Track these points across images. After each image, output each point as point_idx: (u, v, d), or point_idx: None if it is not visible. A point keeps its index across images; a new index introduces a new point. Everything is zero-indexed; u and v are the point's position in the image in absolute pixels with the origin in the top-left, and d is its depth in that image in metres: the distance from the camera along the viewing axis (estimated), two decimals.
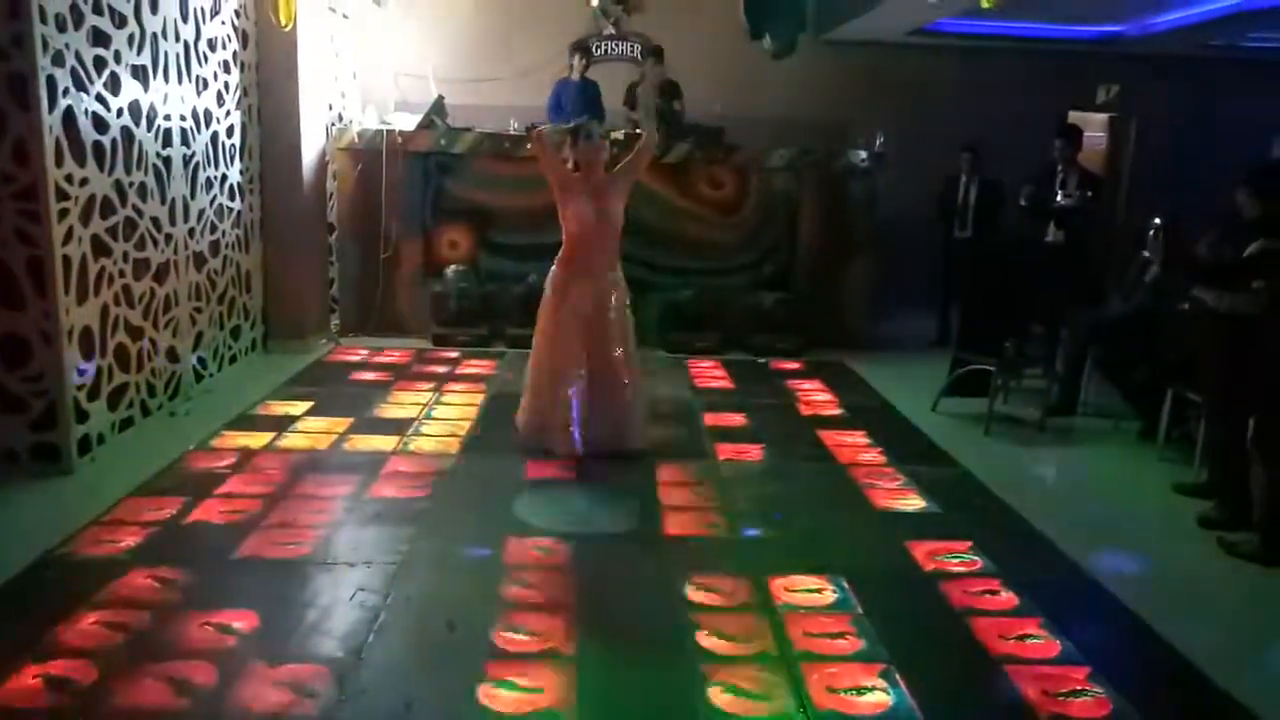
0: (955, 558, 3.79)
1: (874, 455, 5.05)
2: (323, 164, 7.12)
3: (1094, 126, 9.32)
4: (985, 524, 4.17)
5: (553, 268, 4.77)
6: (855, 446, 5.18)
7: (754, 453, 5.01)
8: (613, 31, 8.91)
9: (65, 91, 4.22)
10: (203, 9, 5.64)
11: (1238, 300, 4.17)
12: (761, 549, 3.83)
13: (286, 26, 5.76)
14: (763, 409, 5.82)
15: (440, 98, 7.65)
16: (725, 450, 5.00)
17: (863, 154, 7.48)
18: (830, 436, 5.32)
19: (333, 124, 7.39)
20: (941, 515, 4.26)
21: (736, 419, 5.59)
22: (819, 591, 3.44)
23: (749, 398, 6.07)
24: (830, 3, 8.70)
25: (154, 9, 5.01)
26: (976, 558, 3.79)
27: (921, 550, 3.84)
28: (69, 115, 4.25)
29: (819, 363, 7.02)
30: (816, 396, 6.21)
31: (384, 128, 7.36)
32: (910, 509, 4.33)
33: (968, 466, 4.90)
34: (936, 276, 7.81)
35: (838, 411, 5.88)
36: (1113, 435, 5.54)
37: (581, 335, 4.64)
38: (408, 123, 7.46)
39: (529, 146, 7.05)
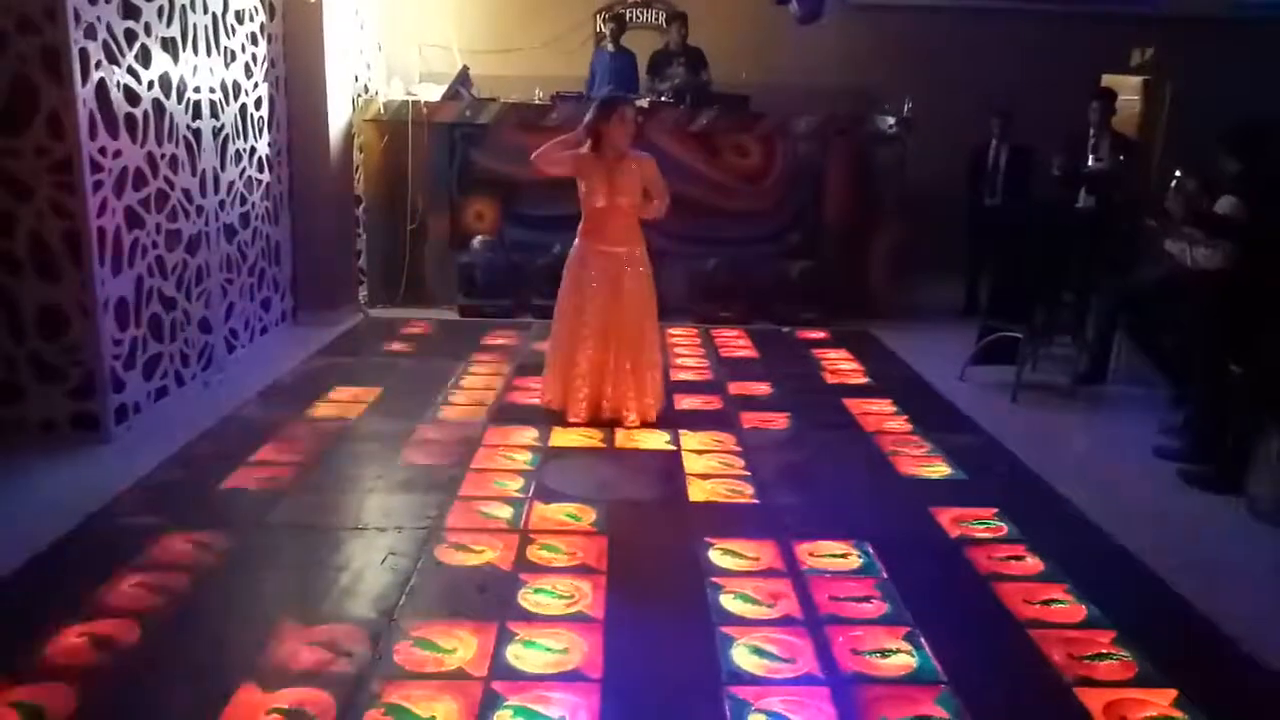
0: (981, 524, 3.80)
1: (900, 423, 5.04)
2: (349, 136, 7.15)
3: (1127, 90, 9.12)
4: (1011, 491, 4.17)
5: (575, 240, 4.78)
6: (881, 415, 5.18)
7: (779, 421, 5.02)
8: None
9: (98, 64, 4.26)
10: None
11: (1201, 255, 4.26)
12: (787, 515, 3.85)
13: None
14: (788, 378, 5.82)
15: (465, 68, 7.64)
16: (750, 419, 5.02)
17: (890, 120, 7.40)
18: (856, 405, 5.32)
19: (358, 95, 7.40)
20: (967, 482, 4.27)
21: (762, 388, 5.60)
22: (844, 556, 3.46)
23: (774, 367, 6.07)
24: None
25: None
26: (1002, 524, 3.80)
27: (947, 516, 3.84)
28: (101, 88, 4.30)
29: (845, 332, 7.00)
30: (842, 365, 6.20)
31: (409, 99, 7.37)
32: (936, 476, 4.33)
33: (994, 434, 4.88)
34: (965, 245, 7.73)
35: (864, 380, 5.87)
36: (1144, 402, 5.49)
37: (605, 305, 4.65)
38: (433, 94, 7.46)
39: (554, 116, 7.10)
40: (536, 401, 5.00)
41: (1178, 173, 5.22)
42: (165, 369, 4.95)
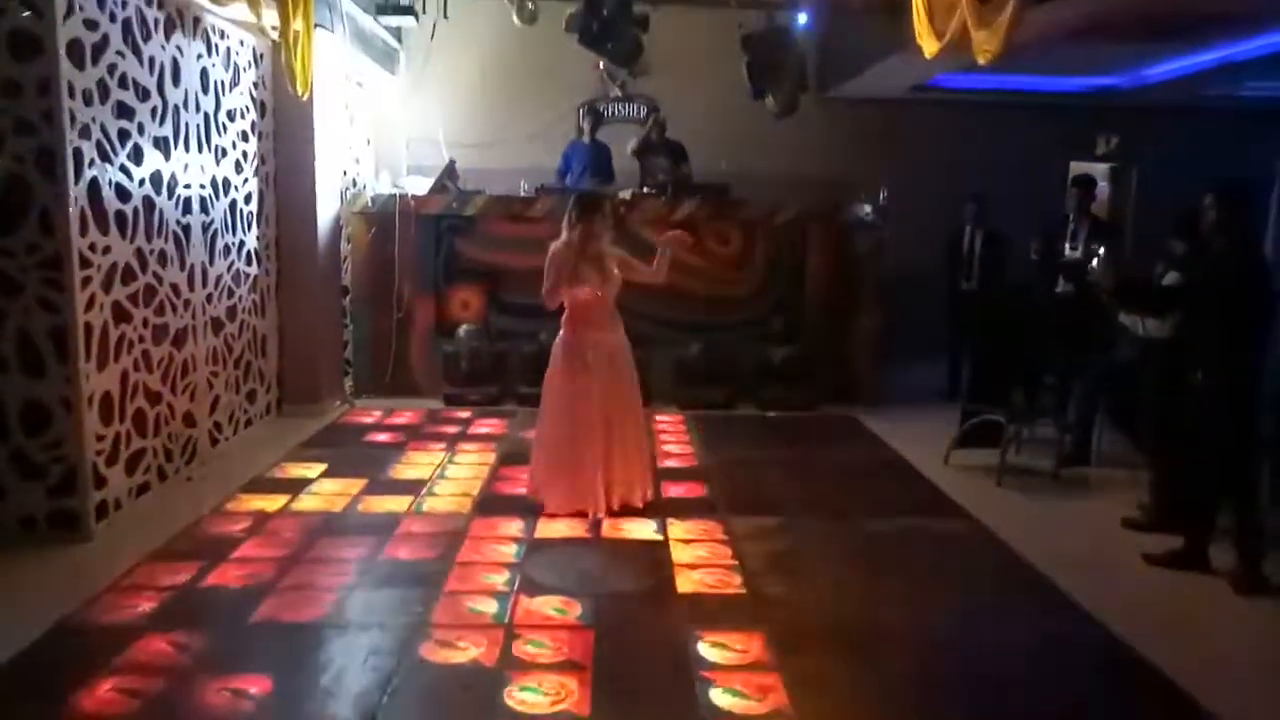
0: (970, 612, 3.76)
1: (886, 509, 5.03)
2: (337, 228, 7.27)
3: (1096, 176, 9.42)
4: (1000, 578, 4.14)
5: (561, 332, 4.83)
6: (867, 501, 5.17)
7: (766, 508, 5.01)
8: (619, 94, 9.14)
9: (90, 163, 4.35)
10: (223, 81, 5.82)
11: (1151, 324, 4.59)
12: (776, 605, 3.81)
13: (304, 95, 5.93)
14: (775, 464, 5.82)
15: (452, 161, 7.83)
16: (738, 506, 5.00)
17: (867, 208, 7.59)
18: (842, 491, 5.32)
19: (347, 189, 7.55)
20: (956, 570, 4.24)
21: (748, 474, 5.59)
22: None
23: (761, 452, 6.07)
24: (830, 63, 8.92)
25: (176, 82, 5.18)
26: (992, 613, 3.76)
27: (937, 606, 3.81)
28: (93, 185, 4.38)
29: (830, 416, 7.03)
30: (828, 451, 6.21)
31: (397, 191, 7.52)
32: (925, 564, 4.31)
33: (980, 519, 4.88)
34: (945, 328, 7.85)
35: (849, 466, 5.87)
36: (1127, 484, 5.51)
37: (604, 392, 4.68)
38: (420, 186, 7.62)
39: (538, 207, 7.25)
40: (522, 491, 4.97)
41: (1100, 250, 5.40)
42: (148, 464, 4.92)
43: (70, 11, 4.17)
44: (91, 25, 4.35)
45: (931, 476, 5.65)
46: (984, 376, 5.91)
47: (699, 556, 4.29)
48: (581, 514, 4.67)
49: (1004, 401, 5.66)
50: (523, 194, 7.64)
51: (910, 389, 7.78)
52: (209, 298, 5.63)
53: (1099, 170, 9.39)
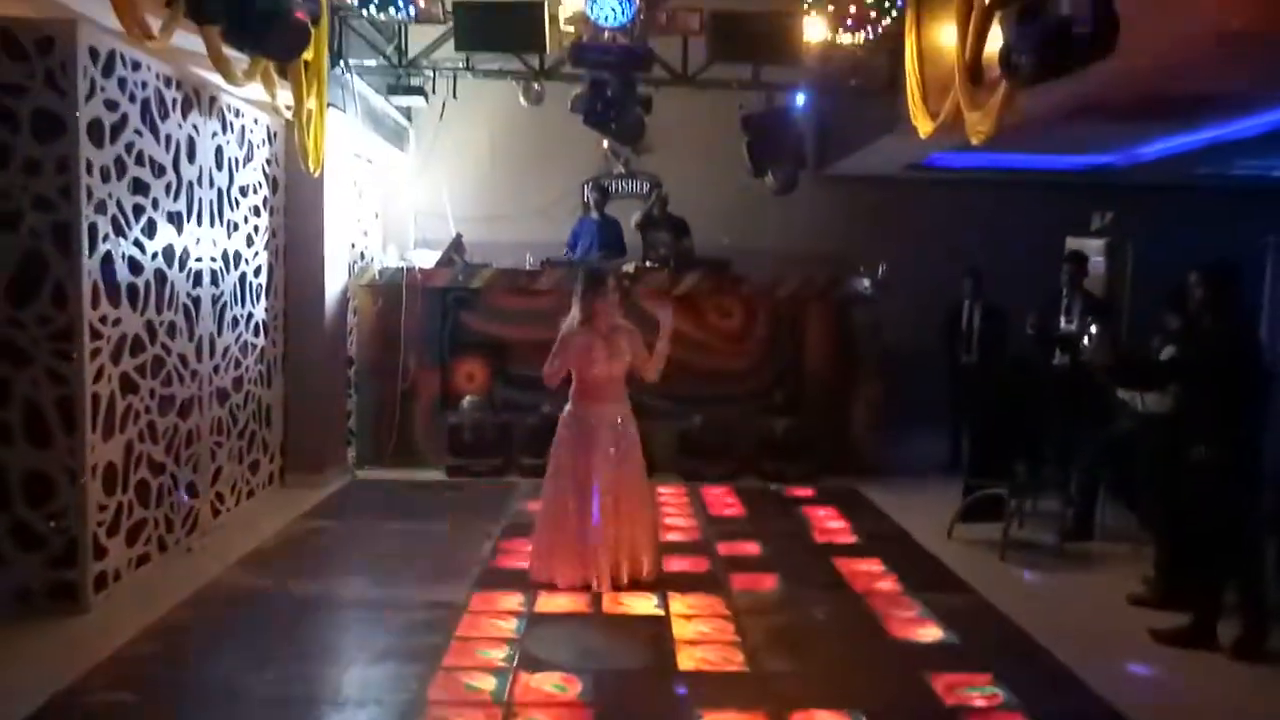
0: (976, 690, 3.71)
1: (890, 583, 5.00)
2: (344, 300, 7.37)
3: (1091, 251, 9.55)
4: (1005, 654, 4.10)
5: (568, 407, 4.84)
6: (871, 574, 5.14)
7: (768, 582, 4.98)
8: (623, 170, 9.35)
9: (105, 237, 4.45)
10: (237, 158, 5.98)
11: (1151, 399, 4.67)
12: (779, 683, 3.76)
13: (315, 172, 6.08)
14: (777, 537, 5.80)
15: (459, 235, 7.98)
16: (740, 580, 4.97)
17: (866, 282, 7.69)
18: (845, 564, 5.29)
19: (355, 262, 7.68)
20: (960, 646, 4.20)
21: (750, 547, 5.57)
22: None
23: (762, 525, 6.05)
24: (828, 142, 9.14)
25: (191, 158, 5.32)
26: (998, 690, 3.71)
27: (941, 683, 3.76)
28: (107, 259, 4.47)
29: (832, 488, 7.02)
30: (831, 523, 6.19)
31: (404, 265, 7.65)
32: (928, 639, 4.26)
33: (985, 594, 4.84)
34: (945, 401, 7.88)
35: (852, 539, 5.85)
36: (1131, 559, 5.47)
37: (600, 465, 4.68)
38: (427, 259, 7.75)
39: (543, 281, 7.37)
40: (524, 565, 4.94)
41: (1093, 327, 5.47)
42: (149, 535, 4.90)
43: (92, 93, 4.31)
44: (112, 105, 4.50)
45: (934, 550, 5.62)
46: (985, 450, 5.92)
47: (700, 632, 4.25)
48: (585, 588, 4.63)
49: (1006, 475, 5.65)
50: (528, 267, 7.76)
51: (911, 461, 7.77)
52: (216, 368, 5.69)
53: (1094, 246, 9.53)
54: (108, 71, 4.44)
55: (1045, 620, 4.49)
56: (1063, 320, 6.72)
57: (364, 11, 6.53)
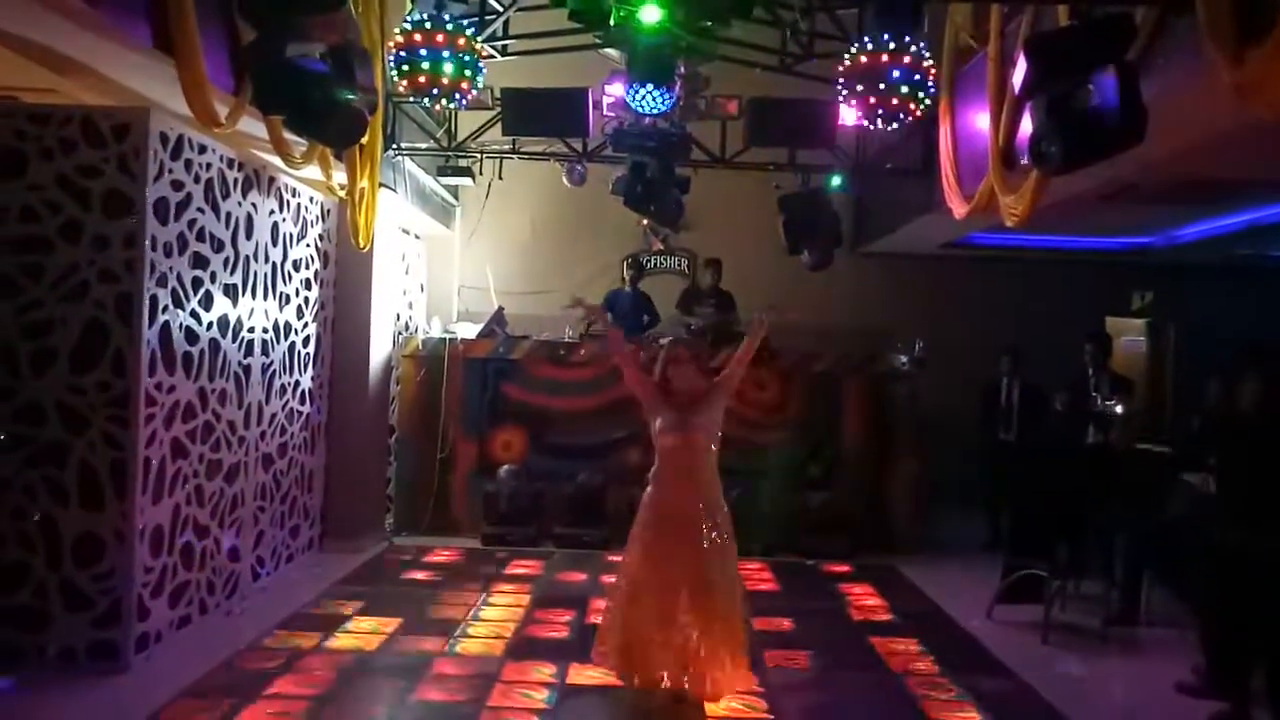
0: None
1: (927, 665, 4.91)
2: (388, 369, 7.56)
3: (1132, 332, 9.51)
4: None
5: (648, 487, 4.40)
6: (908, 655, 5.05)
7: (803, 660, 4.91)
8: (662, 248, 9.56)
9: (164, 309, 4.66)
10: (291, 234, 6.24)
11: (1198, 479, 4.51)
12: None
13: (364, 247, 6.32)
14: (812, 614, 5.73)
15: (500, 308, 8.18)
16: (773, 657, 4.91)
17: (903, 358, 7.71)
18: (882, 644, 5.21)
19: (399, 332, 7.89)
20: None
21: (785, 624, 5.51)
22: None
23: (797, 602, 5.99)
24: (864, 221, 9.27)
25: (249, 235, 5.57)
26: None
27: None
28: (164, 329, 4.67)
29: (869, 565, 6.94)
30: (867, 601, 6.11)
31: (447, 336, 7.84)
32: None
33: (1026, 678, 4.73)
34: (984, 479, 7.79)
35: (889, 617, 5.76)
36: (1178, 645, 5.30)
37: (671, 555, 4.17)
38: (469, 331, 7.95)
39: (582, 353, 7.50)
40: (555, 635, 4.93)
41: (1118, 407, 5.44)
42: (191, 597, 5.00)
43: (160, 174, 4.58)
44: (177, 185, 4.76)
45: (973, 630, 5.51)
46: (1025, 529, 5.82)
47: (732, 708, 4.20)
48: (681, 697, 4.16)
49: (1047, 555, 5.56)
50: (567, 339, 7.91)
51: (949, 539, 7.66)
52: (262, 434, 5.85)
53: (1135, 326, 9.48)
54: (175, 154, 4.71)
55: (1089, 707, 4.38)
56: (1097, 398, 6.69)
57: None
